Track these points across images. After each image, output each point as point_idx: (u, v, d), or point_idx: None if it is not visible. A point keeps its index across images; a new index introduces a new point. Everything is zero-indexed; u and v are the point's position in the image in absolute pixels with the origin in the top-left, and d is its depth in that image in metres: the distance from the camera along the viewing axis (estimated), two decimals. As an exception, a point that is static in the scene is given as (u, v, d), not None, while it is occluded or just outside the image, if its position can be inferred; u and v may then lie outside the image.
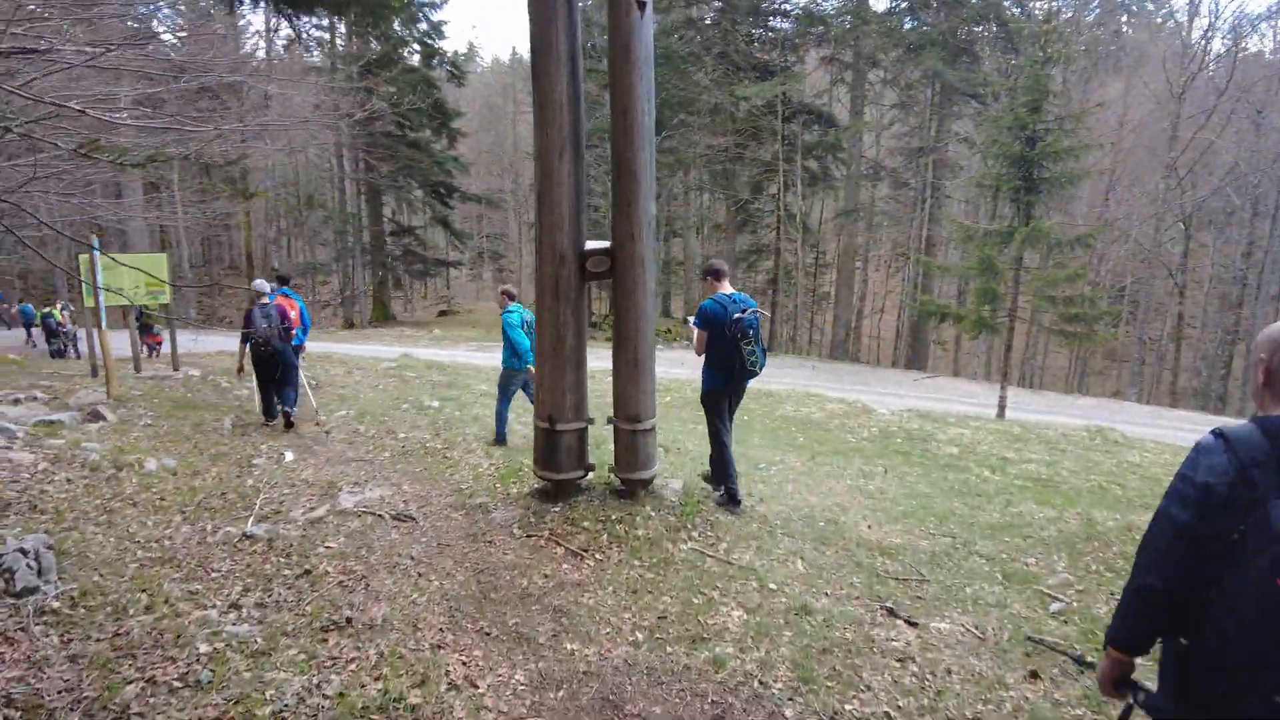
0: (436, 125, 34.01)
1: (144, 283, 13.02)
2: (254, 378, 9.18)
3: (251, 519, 5.59)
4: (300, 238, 45.56)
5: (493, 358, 20.84)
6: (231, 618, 4.15)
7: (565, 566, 4.79)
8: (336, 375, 14.56)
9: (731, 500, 5.75)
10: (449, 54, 34.70)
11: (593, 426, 5.77)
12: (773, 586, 4.63)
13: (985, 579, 5.14)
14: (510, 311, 8.00)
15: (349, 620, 4.12)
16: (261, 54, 32.40)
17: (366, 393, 12.56)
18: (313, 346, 20.18)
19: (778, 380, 18.60)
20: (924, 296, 23.92)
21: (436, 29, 34.13)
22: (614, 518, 5.31)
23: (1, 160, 11.17)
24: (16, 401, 9.32)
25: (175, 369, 13.48)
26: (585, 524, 5.26)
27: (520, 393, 8.44)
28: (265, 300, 8.59)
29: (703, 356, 5.55)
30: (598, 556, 4.90)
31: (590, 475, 5.79)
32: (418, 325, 33.21)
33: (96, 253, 9.33)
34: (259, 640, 3.88)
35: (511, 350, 8.02)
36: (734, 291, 5.50)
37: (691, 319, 5.62)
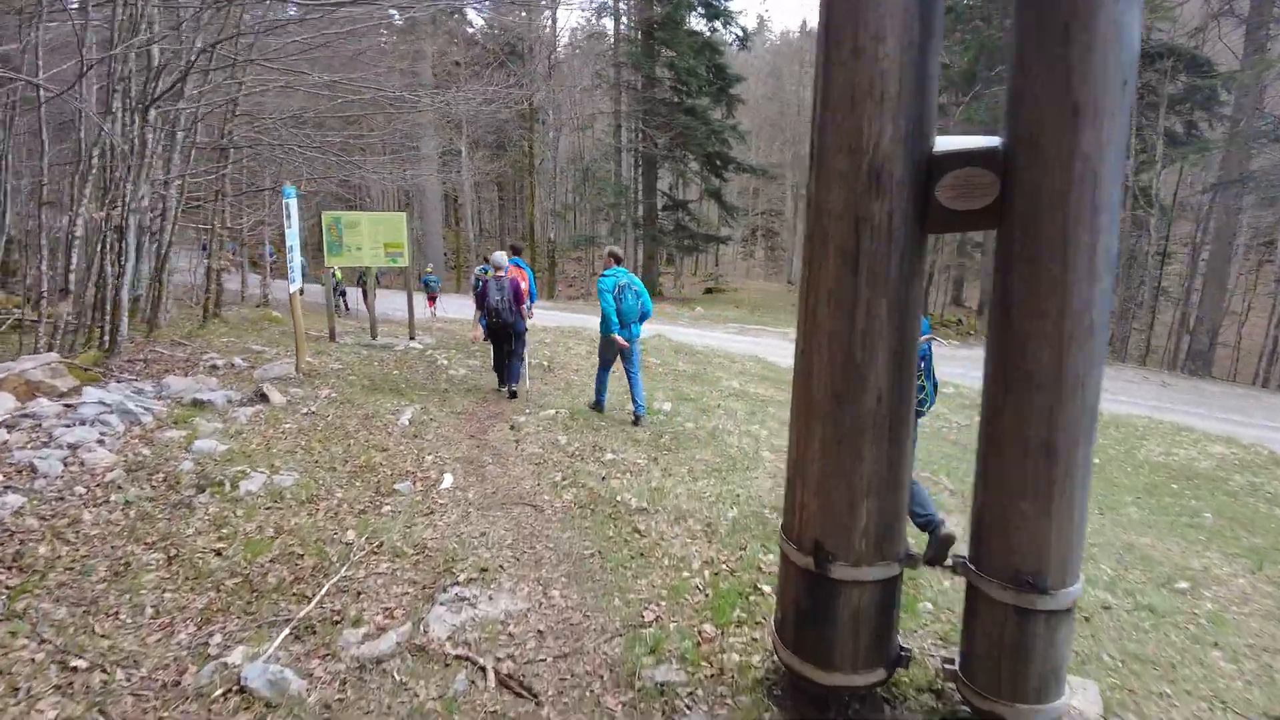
0: (716, 91, 31.43)
1: (383, 244, 11.80)
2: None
3: (280, 638, 3.15)
4: (583, 211, 45.86)
5: (755, 342, 17.90)
6: None
7: None
8: (577, 354, 12.38)
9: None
10: (734, 14, 31.85)
11: (910, 569, 2.56)
12: None
13: None
14: (604, 276, 7.23)
15: None
16: (548, 24, 31.91)
17: (591, 381, 10.21)
18: (570, 320, 18.61)
19: (1121, 402, 13.65)
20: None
21: (722, -11, 31.45)
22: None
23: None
24: (213, 368, 8.06)
25: (411, 337, 12.17)
26: (887, 831, 2.12)
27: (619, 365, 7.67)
28: (500, 273, 8.08)
29: None
30: None
31: (897, 672, 2.59)
32: (681, 302, 31.19)
33: (289, 199, 7.73)
34: None
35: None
36: None
37: None
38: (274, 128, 12.89)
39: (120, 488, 4.52)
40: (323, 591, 3.55)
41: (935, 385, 4.17)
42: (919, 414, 3.99)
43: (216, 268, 11.09)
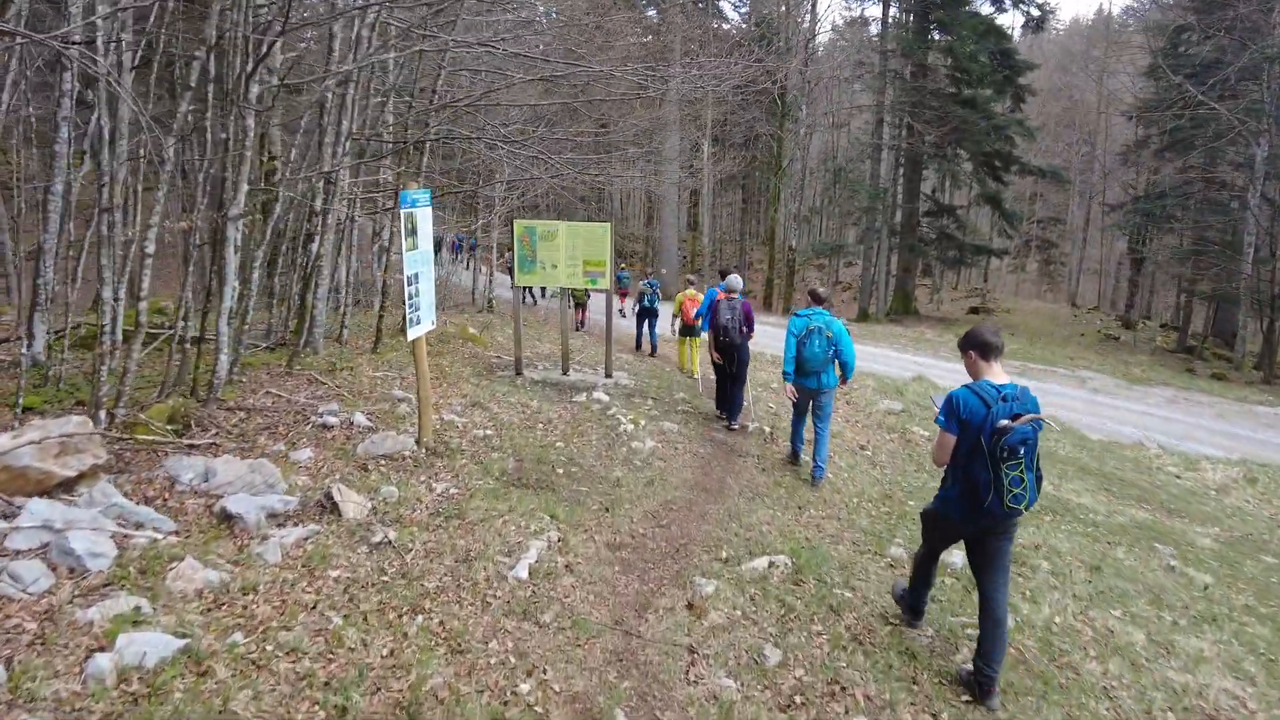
0: (1000, 80, 26.02)
1: (582, 261, 9.34)
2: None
3: None
4: (830, 216, 41.64)
5: (1048, 393, 13.01)
6: None
7: None
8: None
9: (914, 615, 4.07)
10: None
11: None
12: None
13: None
14: (796, 316, 6.33)
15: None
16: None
17: (839, 472, 6.92)
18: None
19: None
20: None
21: (1015, -38, 25.94)
22: None
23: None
24: (322, 429, 5.92)
25: (608, 374, 9.61)
26: None
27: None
28: (734, 296, 7.68)
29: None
30: None
31: None
32: (941, 323, 26.26)
33: (412, 208, 5.30)
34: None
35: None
36: (1007, 382, 3.44)
37: (937, 408, 3.55)
38: (494, 125, 10.98)
39: None
40: None
41: (1038, 478, 3.35)
42: (1011, 512, 3.33)
43: (388, 278, 9.24)
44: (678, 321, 10.90)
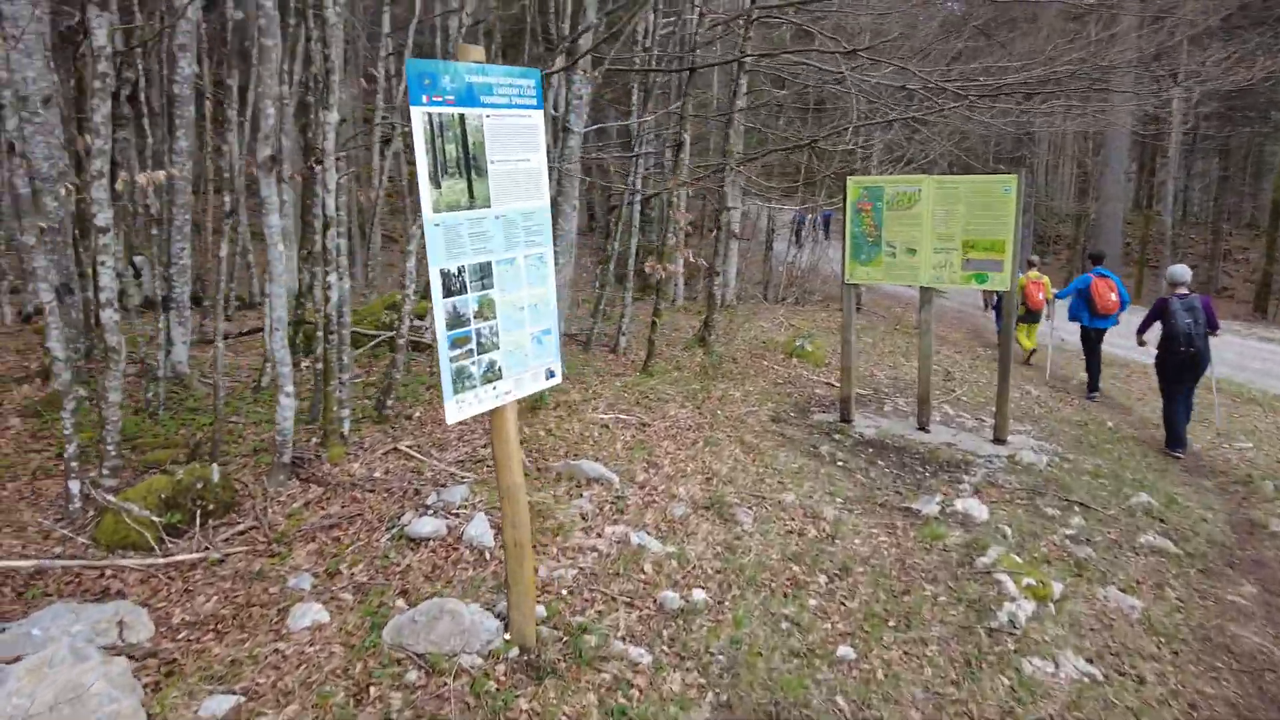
0: None
1: (960, 243, 5.33)
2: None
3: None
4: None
5: None
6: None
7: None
8: None
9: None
10: None
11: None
12: None
13: None
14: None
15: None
16: None
17: None
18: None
19: None
20: None
21: None
22: None
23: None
24: (404, 544, 3.15)
25: (998, 439, 5.38)
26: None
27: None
28: (1184, 290, 5.74)
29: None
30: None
31: None
32: None
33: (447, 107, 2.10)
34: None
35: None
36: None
37: None
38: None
39: None
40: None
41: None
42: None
43: (663, 272, 6.15)
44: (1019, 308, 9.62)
